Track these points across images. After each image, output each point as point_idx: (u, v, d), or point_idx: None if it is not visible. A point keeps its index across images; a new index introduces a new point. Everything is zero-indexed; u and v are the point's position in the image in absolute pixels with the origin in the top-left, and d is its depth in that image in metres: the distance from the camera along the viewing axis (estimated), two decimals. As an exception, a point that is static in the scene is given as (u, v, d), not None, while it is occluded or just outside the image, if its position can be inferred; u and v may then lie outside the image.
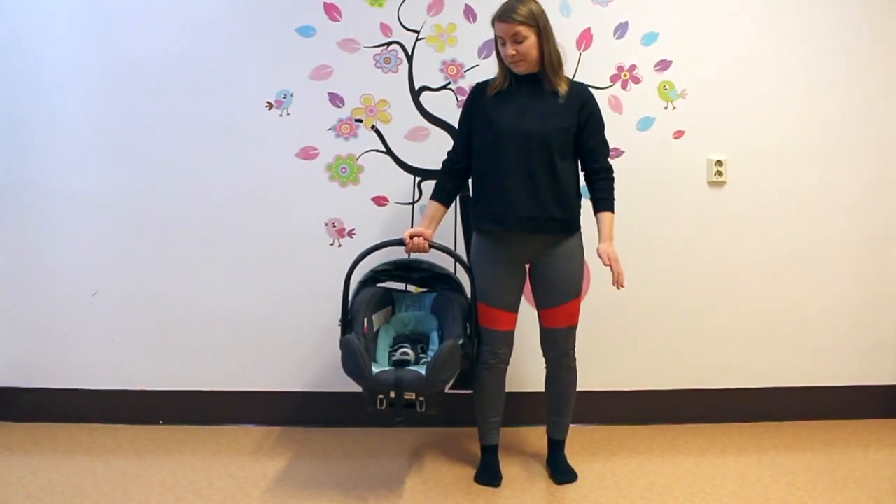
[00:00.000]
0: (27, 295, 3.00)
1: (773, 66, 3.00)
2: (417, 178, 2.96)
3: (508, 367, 2.55)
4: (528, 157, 2.38)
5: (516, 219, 2.40)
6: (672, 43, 2.96)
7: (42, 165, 2.96)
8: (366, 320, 2.45)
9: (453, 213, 2.81)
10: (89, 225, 2.97)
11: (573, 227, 2.48)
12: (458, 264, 2.53)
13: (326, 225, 2.99)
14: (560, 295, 2.48)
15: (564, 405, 2.59)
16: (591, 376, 2.87)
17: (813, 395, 3.12)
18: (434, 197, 2.54)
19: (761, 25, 2.98)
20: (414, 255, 2.54)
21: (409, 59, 2.94)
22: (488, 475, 2.56)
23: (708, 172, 3.02)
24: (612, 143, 2.57)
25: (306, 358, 3.03)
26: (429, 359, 2.34)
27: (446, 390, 2.35)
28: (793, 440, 2.93)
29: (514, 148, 2.38)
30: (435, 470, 2.66)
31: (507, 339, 2.51)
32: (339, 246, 2.99)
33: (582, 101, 2.43)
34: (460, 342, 2.32)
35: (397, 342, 2.52)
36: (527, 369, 2.93)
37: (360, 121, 2.95)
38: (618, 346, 3.06)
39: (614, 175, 2.49)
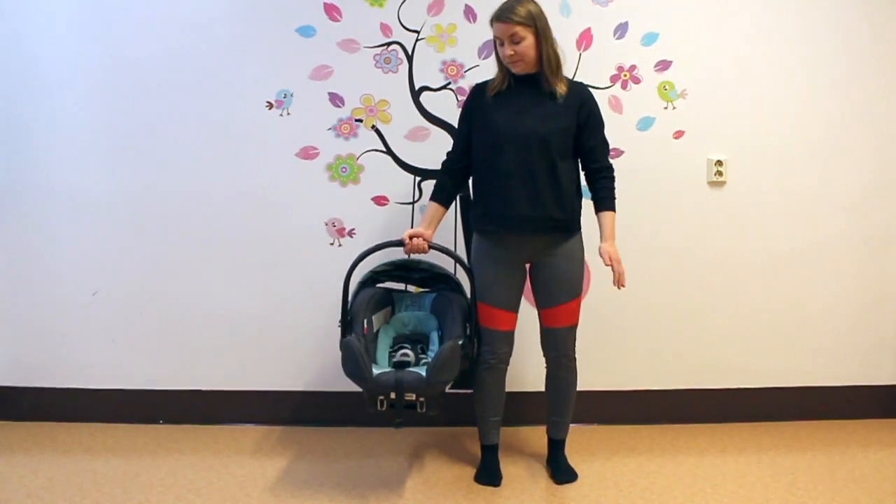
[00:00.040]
0: (27, 295, 3.01)
1: (773, 66, 3.00)
2: (417, 178, 2.96)
3: (508, 367, 2.55)
4: (528, 157, 2.38)
5: (516, 219, 2.40)
6: (672, 43, 2.96)
7: (42, 165, 2.96)
8: (366, 321, 2.45)
9: (453, 214, 2.81)
10: (89, 225, 2.98)
11: (573, 227, 2.48)
12: (457, 265, 2.54)
13: (326, 225, 2.99)
14: (560, 295, 2.48)
15: (564, 405, 2.59)
16: (591, 376, 2.87)
17: (813, 395, 3.12)
18: (434, 198, 2.54)
19: (761, 25, 2.98)
20: (413, 256, 2.54)
21: (410, 59, 2.94)
22: (488, 475, 2.56)
23: (708, 172, 3.02)
24: (612, 144, 2.57)
25: (306, 358, 3.03)
26: (429, 359, 2.34)
27: (446, 390, 2.35)
28: (793, 440, 2.93)
29: (513, 149, 2.38)
30: (435, 470, 2.66)
31: (508, 338, 2.51)
32: (339, 246, 2.99)
33: (581, 101, 2.43)
34: (460, 342, 2.32)
35: (397, 342, 2.52)
36: (527, 369, 2.93)
37: (361, 121, 2.95)
38: (618, 346, 3.06)
39: (615, 174, 2.49)
